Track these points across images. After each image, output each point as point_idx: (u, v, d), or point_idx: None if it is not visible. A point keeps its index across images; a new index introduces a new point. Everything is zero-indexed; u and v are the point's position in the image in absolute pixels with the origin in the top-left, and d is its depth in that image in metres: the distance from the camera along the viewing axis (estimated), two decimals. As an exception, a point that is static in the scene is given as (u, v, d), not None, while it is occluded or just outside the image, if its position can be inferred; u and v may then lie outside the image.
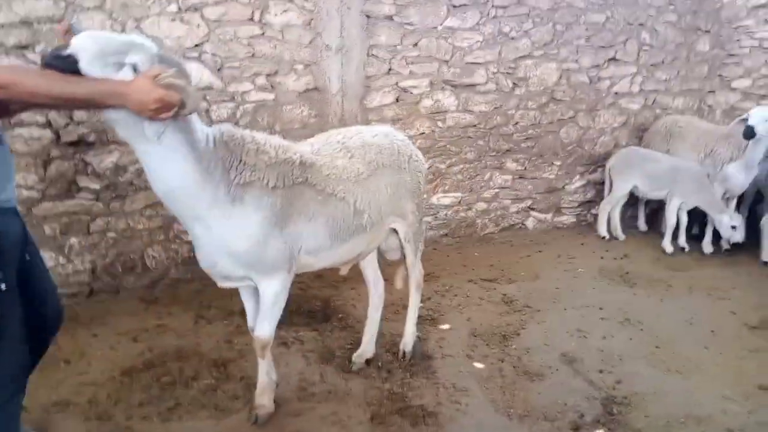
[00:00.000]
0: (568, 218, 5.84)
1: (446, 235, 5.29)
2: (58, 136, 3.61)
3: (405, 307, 3.30)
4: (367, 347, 3.16)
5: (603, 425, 2.71)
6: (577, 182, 5.76)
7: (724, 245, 5.11)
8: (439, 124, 4.97)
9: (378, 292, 3.24)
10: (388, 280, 3.33)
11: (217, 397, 2.81)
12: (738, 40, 5.83)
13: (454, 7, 4.71)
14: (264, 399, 2.64)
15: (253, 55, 4.10)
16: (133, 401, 2.76)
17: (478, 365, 3.21)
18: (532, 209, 5.66)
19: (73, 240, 3.80)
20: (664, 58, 5.66)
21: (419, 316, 3.71)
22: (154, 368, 3.04)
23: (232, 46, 4.01)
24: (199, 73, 3.92)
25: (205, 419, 2.66)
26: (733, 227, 4.90)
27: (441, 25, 4.70)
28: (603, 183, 5.57)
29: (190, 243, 3.81)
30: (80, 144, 3.64)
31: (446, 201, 5.22)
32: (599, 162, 5.69)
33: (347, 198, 2.55)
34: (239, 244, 2.21)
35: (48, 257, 3.70)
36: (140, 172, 3.64)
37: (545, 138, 5.45)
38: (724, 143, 5.03)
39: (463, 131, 5.08)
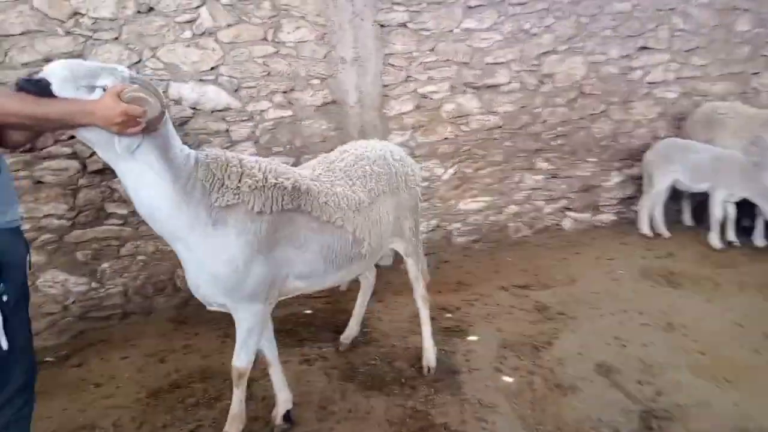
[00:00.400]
0: (607, 216, 5.59)
1: (477, 240, 5.16)
2: (84, 166, 3.73)
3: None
4: (354, 328, 3.47)
5: (641, 441, 2.52)
6: (615, 178, 5.53)
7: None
8: (463, 128, 4.86)
9: (369, 281, 3.44)
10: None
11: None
12: (783, 16, 5.44)
13: (470, 8, 4.60)
14: (232, 429, 2.50)
15: (268, 74, 4.13)
16: (158, 423, 2.79)
17: (507, 379, 3.07)
18: (568, 209, 5.46)
19: (105, 265, 3.91)
20: (699, 42, 5.34)
21: (446, 328, 3.65)
22: (180, 389, 3.08)
23: (247, 66, 4.05)
24: (216, 96, 3.99)
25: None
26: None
27: (457, 27, 4.61)
28: (642, 178, 5.31)
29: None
30: (105, 172, 3.75)
31: (475, 206, 5.10)
32: (637, 156, 5.42)
33: (346, 226, 2.50)
34: (219, 268, 2.17)
35: (81, 283, 3.85)
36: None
37: (576, 134, 5.25)
38: (772, 128, 4.69)
39: (489, 133, 4.96)
